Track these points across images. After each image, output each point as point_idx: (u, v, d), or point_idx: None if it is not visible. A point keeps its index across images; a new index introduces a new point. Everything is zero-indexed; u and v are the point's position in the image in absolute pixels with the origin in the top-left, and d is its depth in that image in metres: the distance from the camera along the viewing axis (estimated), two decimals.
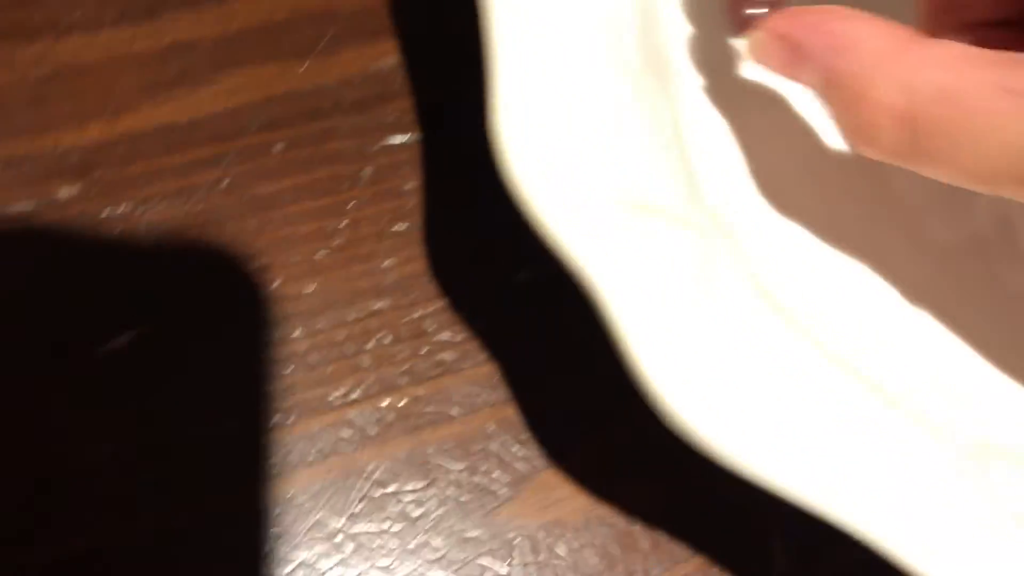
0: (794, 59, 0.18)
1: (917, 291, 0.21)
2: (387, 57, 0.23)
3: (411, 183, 0.23)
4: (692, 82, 0.21)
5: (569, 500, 0.21)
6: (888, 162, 0.17)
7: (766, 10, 0.19)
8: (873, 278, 0.21)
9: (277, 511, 0.20)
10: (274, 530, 0.20)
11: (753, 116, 0.22)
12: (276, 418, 0.20)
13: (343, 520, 0.20)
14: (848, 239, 0.21)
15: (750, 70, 0.22)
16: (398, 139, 0.23)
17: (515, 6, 0.17)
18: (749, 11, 0.20)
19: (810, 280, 0.20)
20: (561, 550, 0.20)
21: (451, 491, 0.21)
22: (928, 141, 0.16)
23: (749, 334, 0.17)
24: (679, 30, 0.22)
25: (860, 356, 0.19)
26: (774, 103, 0.22)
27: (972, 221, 0.23)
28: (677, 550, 0.21)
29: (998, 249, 0.23)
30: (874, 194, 0.22)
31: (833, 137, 0.22)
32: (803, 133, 0.22)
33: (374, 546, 0.20)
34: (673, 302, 0.16)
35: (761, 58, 0.19)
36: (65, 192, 0.21)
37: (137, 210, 0.21)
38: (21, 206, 0.21)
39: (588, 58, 0.19)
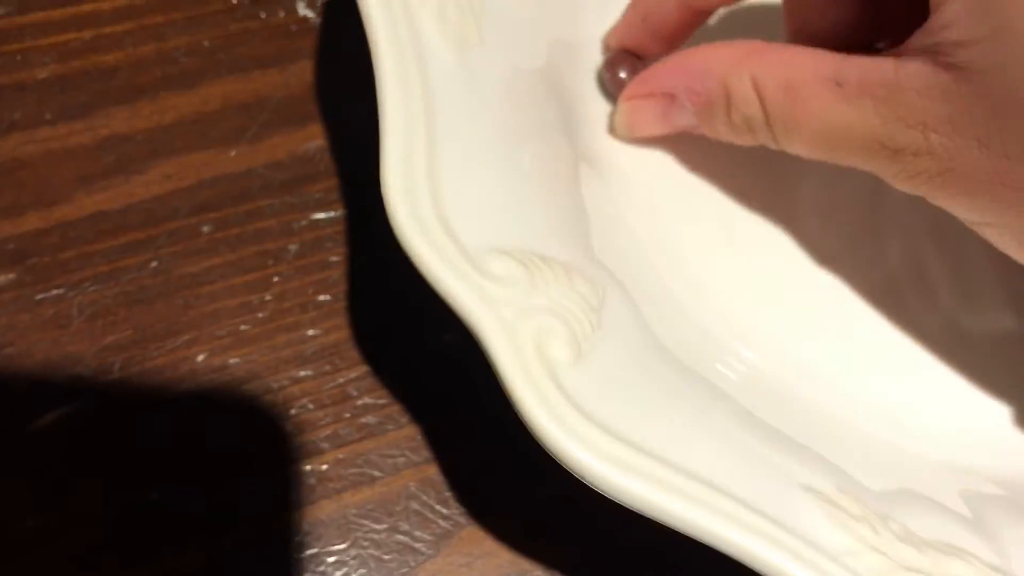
0: (665, 108, 0.19)
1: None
2: (313, 140, 0.25)
3: (335, 256, 0.23)
4: (593, 144, 0.22)
5: (491, 556, 0.21)
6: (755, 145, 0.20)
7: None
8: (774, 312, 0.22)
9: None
10: None
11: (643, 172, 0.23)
12: (196, 488, 0.21)
13: None
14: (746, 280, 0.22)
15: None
16: (323, 215, 0.24)
17: (408, 79, 0.18)
18: (622, 74, 0.22)
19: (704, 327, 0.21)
20: None
21: (372, 551, 0.21)
22: (779, 125, 0.19)
23: (635, 369, 0.18)
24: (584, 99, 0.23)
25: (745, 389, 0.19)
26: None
27: (885, 264, 0.23)
28: None
29: (911, 288, 0.23)
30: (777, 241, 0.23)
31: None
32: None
33: None
34: (557, 342, 0.17)
35: (633, 125, 0.21)
36: (2, 279, 0.22)
37: (69, 293, 0.22)
38: None
39: (483, 128, 0.20)
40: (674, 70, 0.21)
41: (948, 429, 0.21)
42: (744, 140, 0.21)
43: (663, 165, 0.23)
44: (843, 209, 0.24)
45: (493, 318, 0.17)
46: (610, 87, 0.23)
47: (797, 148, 0.20)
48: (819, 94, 0.18)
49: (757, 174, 0.24)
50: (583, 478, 0.16)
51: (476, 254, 0.17)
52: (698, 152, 0.24)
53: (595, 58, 0.24)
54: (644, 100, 0.21)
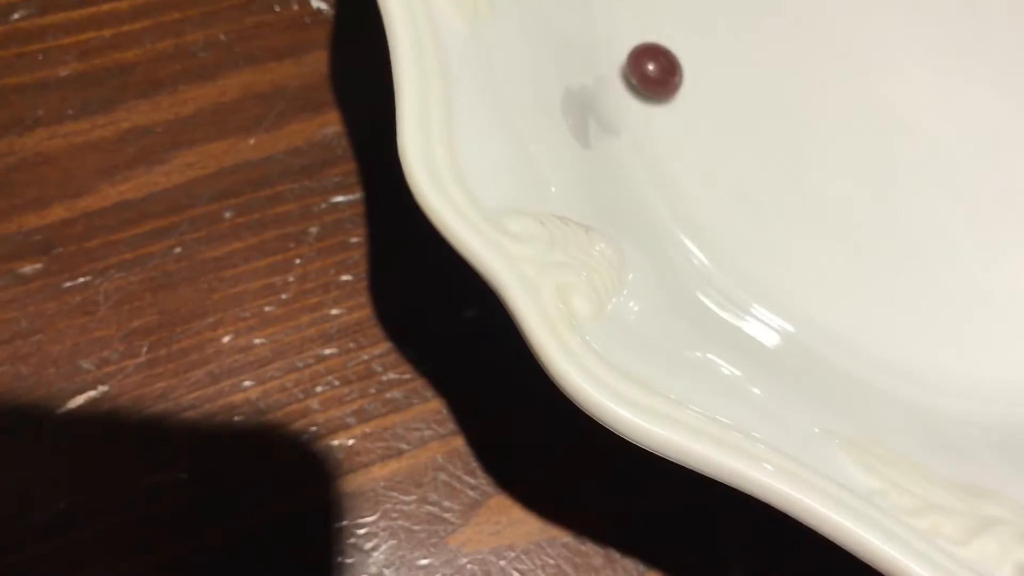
0: None
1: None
2: (330, 126, 0.25)
3: (356, 237, 0.24)
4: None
5: (520, 524, 0.21)
6: None
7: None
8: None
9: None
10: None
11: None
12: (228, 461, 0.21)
13: None
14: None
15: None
16: (342, 198, 0.24)
17: (421, 50, 0.19)
18: (649, 67, 0.22)
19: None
20: (514, 572, 0.21)
21: (402, 522, 0.21)
22: None
23: (657, 325, 0.18)
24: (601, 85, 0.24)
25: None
26: None
27: (907, 224, 0.24)
28: (630, 565, 0.21)
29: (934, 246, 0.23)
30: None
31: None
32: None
33: None
34: (571, 285, 0.17)
35: None
36: (29, 268, 0.22)
37: (95, 280, 0.22)
38: None
39: (499, 96, 0.20)
40: None
41: (975, 382, 0.21)
42: None
43: (679, 129, 0.24)
44: (861, 168, 0.24)
45: (514, 274, 0.17)
46: (637, 82, 0.23)
47: None
48: None
49: (775, 132, 0.24)
50: (608, 424, 0.16)
51: (494, 213, 0.17)
52: (714, 113, 0.24)
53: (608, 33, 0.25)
54: None
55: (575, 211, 0.19)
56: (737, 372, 0.18)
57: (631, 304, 0.18)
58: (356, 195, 0.24)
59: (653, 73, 0.24)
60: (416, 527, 0.21)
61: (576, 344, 0.16)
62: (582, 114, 0.23)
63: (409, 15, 0.19)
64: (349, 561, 0.20)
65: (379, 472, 0.21)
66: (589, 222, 0.19)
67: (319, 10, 0.27)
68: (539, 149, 0.20)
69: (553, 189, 0.19)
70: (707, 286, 0.21)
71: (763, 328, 0.21)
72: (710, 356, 0.18)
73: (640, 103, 0.24)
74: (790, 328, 0.21)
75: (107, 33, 0.26)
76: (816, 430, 0.17)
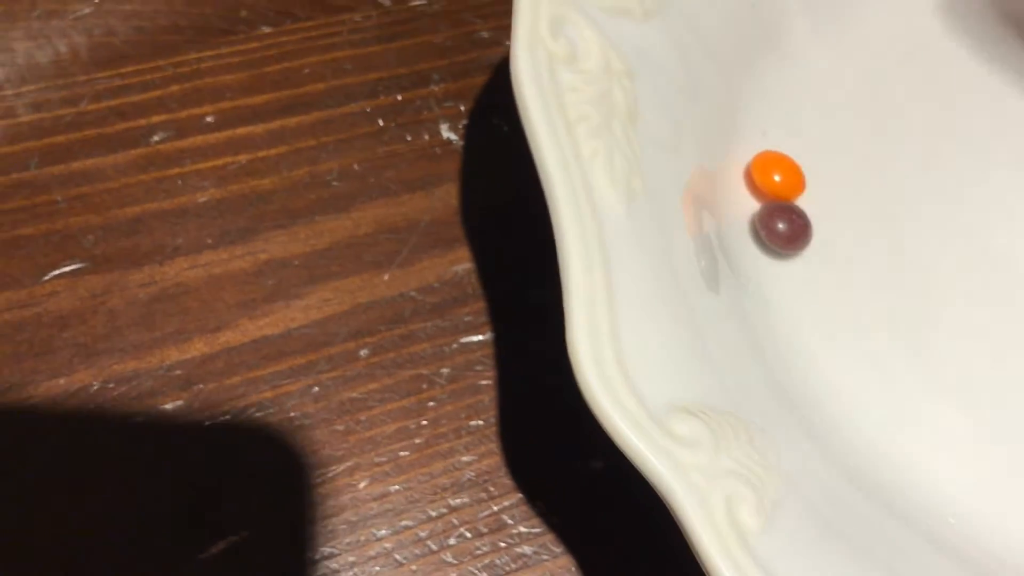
0: None
1: None
2: (461, 263, 0.25)
3: (486, 380, 0.24)
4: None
5: None
6: None
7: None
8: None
9: None
10: None
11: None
12: None
13: None
14: None
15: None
16: (473, 338, 0.24)
17: (587, 240, 0.19)
18: (780, 226, 0.22)
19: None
20: None
21: None
22: None
23: (818, 528, 0.18)
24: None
25: None
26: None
27: None
28: None
29: None
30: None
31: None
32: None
33: None
34: (746, 508, 0.17)
35: None
36: (171, 405, 0.23)
37: (235, 419, 0.23)
38: (133, 419, 0.22)
39: (653, 276, 0.20)
40: None
41: None
42: None
43: (810, 296, 0.24)
44: (995, 337, 0.24)
45: (686, 486, 0.17)
46: (767, 239, 0.24)
47: None
48: None
49: (901, 295, 0.24)
50: None
51: (661, 414, 0.18)
52: (844, 282, 0.24)
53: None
54: None
55: (726, 397, 0.19)
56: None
57: (792, 507, 0.18)
58: (486, 335, 0.25)
59: (784, 231, 0.24)
60: None
61: (749, 565, 0.16)
62: (714, 259, 0.23)
63: (574, 202, 0.19)
64: None
65: None
66: (739, 409, 0.19)
67: (449, 140, 0.27)
68: (687, 332, 0.20)
69: (705, 375, 0.20)
70: (842, 466, 0.21)
71: (903, 507, 0.21)
72: (869, 550, 0.19)
73: (767, 257, 0.24)
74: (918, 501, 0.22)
75: (243, 159, 0.26)
76: None
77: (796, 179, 0.25)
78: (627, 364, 0.18)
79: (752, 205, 0.25)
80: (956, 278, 0.25)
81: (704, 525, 0.17)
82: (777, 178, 0.25)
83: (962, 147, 0.27)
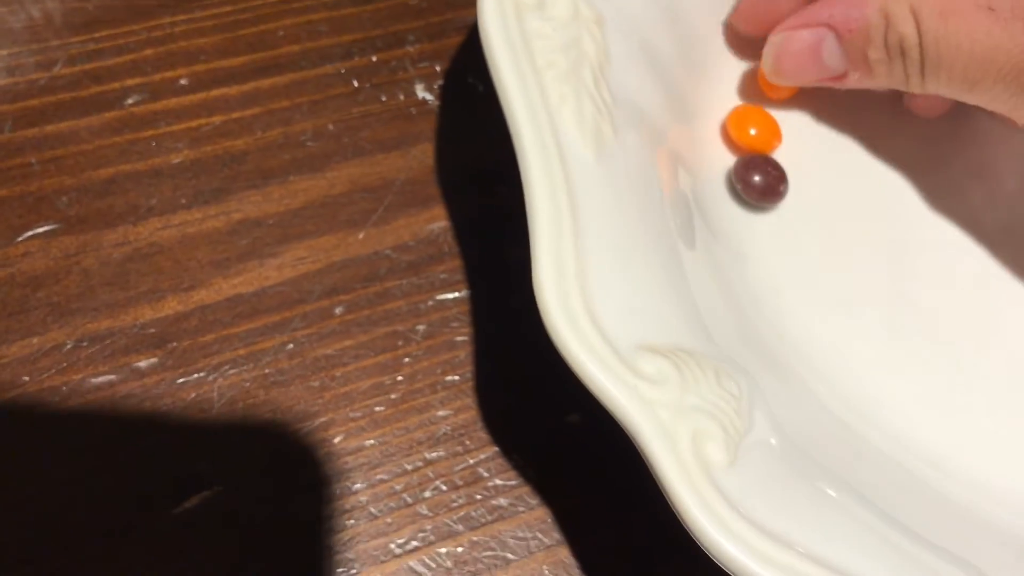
0: (817, 42, 0.22)
1: None
2: (436, 222, 0.25)
3: (462, 336, 0.24)
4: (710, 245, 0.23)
5: None
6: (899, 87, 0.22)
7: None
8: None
9: None
10: None
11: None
12: (340, 570, 0.21)
13: None
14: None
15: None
16: (448, 295, 0.24)
17: (553, 183, 0.19)
18: (756, 178, 0.22)
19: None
20: None
21: None
22: (931, 48, 0.21)
23: (783, 469, 0.18)
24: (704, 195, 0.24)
25: None
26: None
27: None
28: None
29: None
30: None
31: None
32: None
33: None
34: (709, 435, 0.17)
35: (782, 60, 0.24)
36: (145, 363, 0.23)
37: (210, 376, 0.23)
38: (104, 378, 0.22)
39: (623, 222, 0.20)
40: (832, 1, 0.22)
41: None
42: (887, 76, 0.22)
43: (786, 248, 0.24)
44: (962, 285, 0.24)
45: (651, 421, 0.17)
46: (743, 192, 0.24)
47: (942, 79, 0.21)
48: (973, 16, 0.20)
49: (878, 250, 0.24)
50: None
51: (628, 353, 0.18)
52: (819, 233, 0.24)
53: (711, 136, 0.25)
54: (797, 31, 0.23)
55: (697, 340, 0.19)
56: (868, 514, 0.18)
57: (760, 447, 0.18)
58: (462, 292, 0.24)
59: (759, 183, 0.24)
60: None
61: (714, 498, 0.16)
62: (689, 215, 0.23)
63: (541, 147, 0.19)
64: None
65: None
66: (710, 351, 0.19)
67: (424, 100, 0.27)
68: (660, 276, 0.20)
69: (675, 318, 0.19)
70: (821, 410, 0.21)
71: (877, 450, 0.21)
72: (841, 495, 0.18)
73: (743, 210, 0.24)
74: (906, 456, 0.22)
75: (217, 120, 0.26)
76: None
77: (772, 132, 0.25)
78: (593, 303, 0.18)
79: (729, 160, 0.25)
80: (929, 228, 0.25)
81: (669, 458, 0.17)
82: (753, 132, 0.25)
83: None
